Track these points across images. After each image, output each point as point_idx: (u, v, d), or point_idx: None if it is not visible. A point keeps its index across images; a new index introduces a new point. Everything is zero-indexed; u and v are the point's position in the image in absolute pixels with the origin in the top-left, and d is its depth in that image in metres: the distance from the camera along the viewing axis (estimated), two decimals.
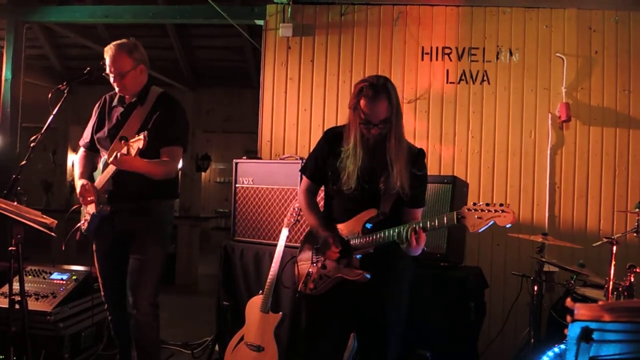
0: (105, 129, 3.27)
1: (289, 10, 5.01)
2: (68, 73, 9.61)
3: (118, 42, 3.24)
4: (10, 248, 2.76)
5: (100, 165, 3.25)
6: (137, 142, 2.76)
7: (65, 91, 3.23)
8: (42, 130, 3.16)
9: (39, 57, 9.49)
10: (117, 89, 3.25)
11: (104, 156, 3.23)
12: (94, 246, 3.34)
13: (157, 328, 3.26)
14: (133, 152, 2.77)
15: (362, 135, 2.58)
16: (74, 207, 3.41)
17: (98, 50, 8.41)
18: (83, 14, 6.19)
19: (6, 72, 5.83)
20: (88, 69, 3.30)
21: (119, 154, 2.79)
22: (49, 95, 3.20)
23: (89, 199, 3.16)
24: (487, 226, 2.29)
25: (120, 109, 3.27)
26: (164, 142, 3.12)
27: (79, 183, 3.23)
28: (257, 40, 5.58)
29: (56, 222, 2.86)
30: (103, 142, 3.27)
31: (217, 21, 5.54)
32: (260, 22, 5.18)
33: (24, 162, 3.09)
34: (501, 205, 2.28)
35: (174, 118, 3.23)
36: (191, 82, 9.76)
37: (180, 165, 3.23)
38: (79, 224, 3.33)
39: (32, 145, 3.12)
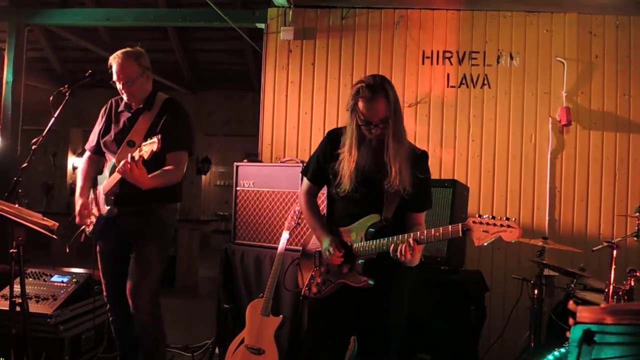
0: (112, 133, 3.30)
1: (290, 13, 5.02)
2: (69, 75, 9.63)
3: (124, 50, 3.25)
4: (11, 250, 2.75)
5: (107, 171, 3.27)
6: (151, 145, 2.76)
7: (67, 94, 3.24)
8: (44, 133, 3.16)
9: (40, 60, 9.51)
10: (125, 97, 3.28)
11: (110, 160, 3.26)
12: (97, 247, 3.37)
13: (160, 327, 3.31)
14: (146, 155, 2.79)
15: (363, 137, 2.56)
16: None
17: (99, 53, 8.48)
18: (84, 16, 6.22)
19: (7, 75, 5.84)
20: (90, 71, 3.31)
21: (128, 164, 2.81)
22: (50, 98, 3.21)
23: (86, 220, 3.26)
24: (492, 240, 2.27)
25: (128, 114, 3.31)
26: (170, 147, 3.12)
27: (79, 201, 3.30)
28: (258, 43, 5.59)
29: (57, 224, 2.86)
30: (109, 146, 3.30)
31: (218, 24, 5.56)
32: (261, 26, 5.18)
33: (25, 165, 3.09)
34: (507, 219, 2.25)
35: (180, 123, 3.27)
36: (192, 85, 9.78)
37: (185, 168, 3.28)
38: (83, 226, 3.36)
39: (33, 147, 3.13)
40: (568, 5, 4.74)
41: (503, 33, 4.81)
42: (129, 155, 2.82)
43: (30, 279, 3.95)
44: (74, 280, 3.96)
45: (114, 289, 3.33)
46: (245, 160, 4.51)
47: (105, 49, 8.66)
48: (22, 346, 2.81)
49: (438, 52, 4.88)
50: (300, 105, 5.05)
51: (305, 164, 2.99)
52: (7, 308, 2.78)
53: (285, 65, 5.07)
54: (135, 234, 3.22)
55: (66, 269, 4.23)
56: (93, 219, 3.28)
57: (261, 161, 4.93)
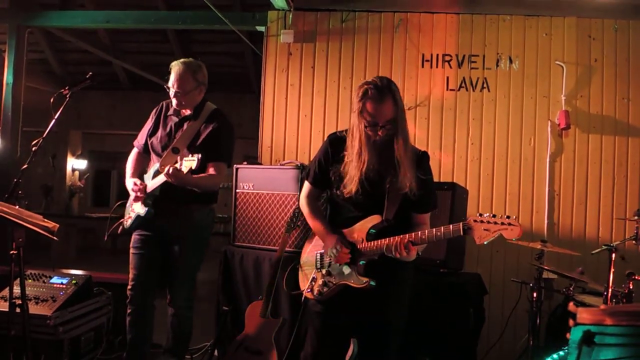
0: (159, 136, 3.49)
1: (290, 16, 5.03)
2: (69, 77, 9.64)
3: (186, 60, 3.45)
4: (11, 252, 2.76)
5: (151, 171, 3.44)
6: (191, 162, 2.99)
7: (67, 96, 3.25)
8: (44, 135, 3.17)
9: (40, 62, 9.53)
10: (174, 103, 3.43)
11: (154, 161, 3.45)
12: (132, 241, 3.52)
13: (191, 319, 3.57)
14: (185, 170, 3.00)
15: (368, 138, 2.58)
16: (118, 203, 3.64)
17: (99, 55, 8.49)
18: (84, 19, 6.22)
19: (7, 77, 5.85)
20: (90, 73, 3.34)
21: (171, 169, 3.03)
22: (51, 100, 3.22)
23: (138, 195, 3.39)
24: (493, 238, 2.28)
25: (175, 119, 3.48)
26: (211, 157, 3.30)
27: (131, 181, 3.45)
28: (258, 46, 5.60)
29: (58, 225, 2.86)
30: (155, 147, 3.48)
31: (218, 27, 5.56)
32: (261, 29, 5.19)
33: (25, 166, 3.10)
34: (508, 217, 2.26)
35: (222, 135, 3.44)
36: None
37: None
38: (122, 220, 3.54)
39: (33, 149, 3.14)
40: (567, 9, 4.75)
41: (502, 36, 4.82)
42: (169, 167, 3.05)
43: (30, 281, 3.95)
44: (73, 281, 3.95)
45: (141, 282, 3.48)
46: (245, 163, 4.52)
47: (105, 51, 8.67)
48: (22, 347, 2.81)
49: (437, 55, 4.89)
50: (300, 108, 5.05)
51: (306, 169, 3.00)
52: (7, 309, 2.79)
53: (285, 68, 5.08)
54: (171, 236, 3.41)
55: (66, 271, 4.23)
56: (132, 214, 3.44)
57: (261, 164, 4.94)
